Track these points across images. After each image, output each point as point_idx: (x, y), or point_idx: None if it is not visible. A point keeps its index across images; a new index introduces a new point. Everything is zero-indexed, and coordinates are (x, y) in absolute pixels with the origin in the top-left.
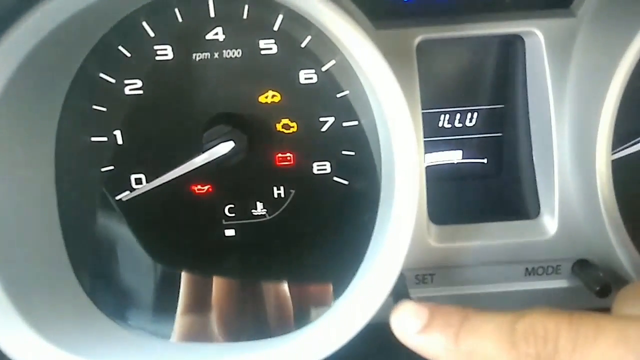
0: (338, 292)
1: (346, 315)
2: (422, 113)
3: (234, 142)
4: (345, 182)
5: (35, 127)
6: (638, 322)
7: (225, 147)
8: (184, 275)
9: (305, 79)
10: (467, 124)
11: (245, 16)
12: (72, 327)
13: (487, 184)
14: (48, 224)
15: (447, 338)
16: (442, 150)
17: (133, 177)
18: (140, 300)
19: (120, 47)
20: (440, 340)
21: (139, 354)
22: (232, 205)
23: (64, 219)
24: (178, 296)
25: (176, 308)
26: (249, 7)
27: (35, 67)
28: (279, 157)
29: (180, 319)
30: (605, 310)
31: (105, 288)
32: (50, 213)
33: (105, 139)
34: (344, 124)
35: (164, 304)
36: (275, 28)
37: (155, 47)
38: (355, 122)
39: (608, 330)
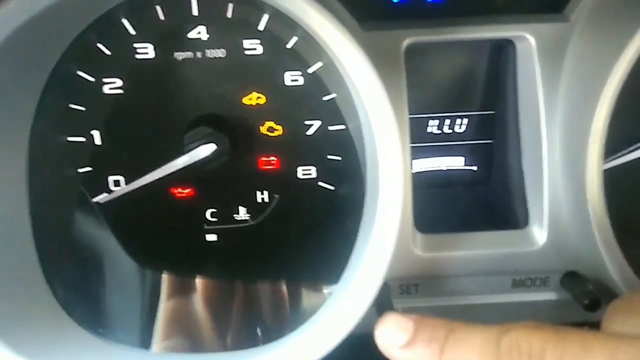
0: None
1: (327, 325)
2: (410, 118)
3: (216, 145)
4: (331, 188)
5: (7, 125)
6: (627, 343)
7: (206, 150)
8: (165, 281)
9: (291, 80)
10: (457, 130)
11: (229, 15)
12: (42, 338)
13: (476, 192)
14: (18, 226)
15: (432, 353)
16: (431, 157)
17: (111, 178)
18: (117, 310)
19: (99, 45)
20: (424, 355)
21: None
22: (214, 210)
23: (36, 222)
24: (158, 305)
25: (155, 317)
26: (233, 6)
27: (6, 63)
28: (262, 160)
29: (161, 326)
30: (595, 324)
31: (79, 297)
32: (20, 215)
33: (82, 139)
34: (330, 128)
35: (143, 314)
36: (261, 28)
37: (136, 45)
38: (342, 126)
39: (596, 350)
